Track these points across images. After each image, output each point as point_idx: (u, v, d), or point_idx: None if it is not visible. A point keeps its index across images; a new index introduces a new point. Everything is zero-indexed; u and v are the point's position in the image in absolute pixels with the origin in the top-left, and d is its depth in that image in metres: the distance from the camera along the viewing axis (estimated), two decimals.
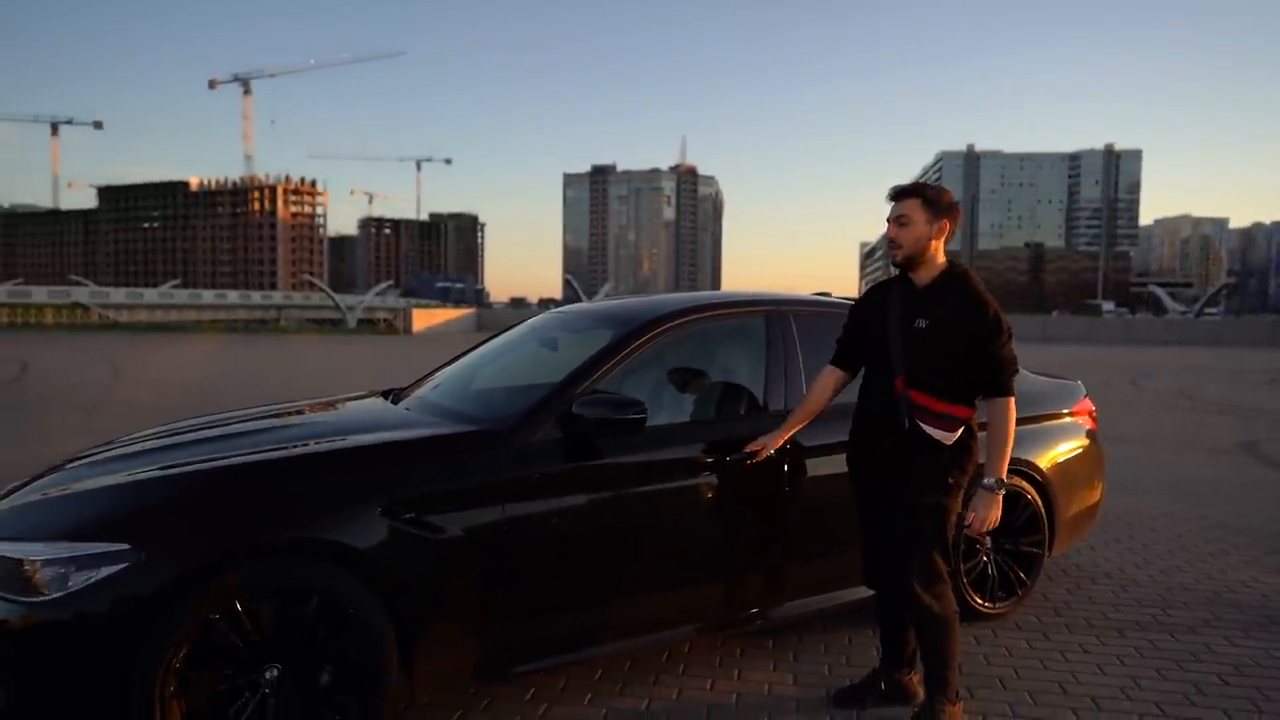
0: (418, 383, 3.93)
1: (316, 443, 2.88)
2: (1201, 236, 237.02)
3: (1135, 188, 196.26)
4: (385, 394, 3.87)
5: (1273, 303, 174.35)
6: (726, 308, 3.50)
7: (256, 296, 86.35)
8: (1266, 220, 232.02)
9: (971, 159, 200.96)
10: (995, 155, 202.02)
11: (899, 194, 2.77)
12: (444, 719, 2.85)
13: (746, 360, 3.43)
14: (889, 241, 2.77)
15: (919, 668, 2.85)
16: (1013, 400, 2.70)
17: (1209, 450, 9.07)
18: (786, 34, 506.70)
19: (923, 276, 2.76)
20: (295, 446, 2.84)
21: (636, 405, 2.79)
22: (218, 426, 3.29)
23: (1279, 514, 6.07)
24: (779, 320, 3.43)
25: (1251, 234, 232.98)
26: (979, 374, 2.68)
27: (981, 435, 2.76)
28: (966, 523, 2.73)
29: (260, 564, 2.40)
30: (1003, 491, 2.71)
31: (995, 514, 2.71)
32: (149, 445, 3.10)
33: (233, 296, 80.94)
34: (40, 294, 58.37)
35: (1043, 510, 3.90)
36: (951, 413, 2.68)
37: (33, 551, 2.32)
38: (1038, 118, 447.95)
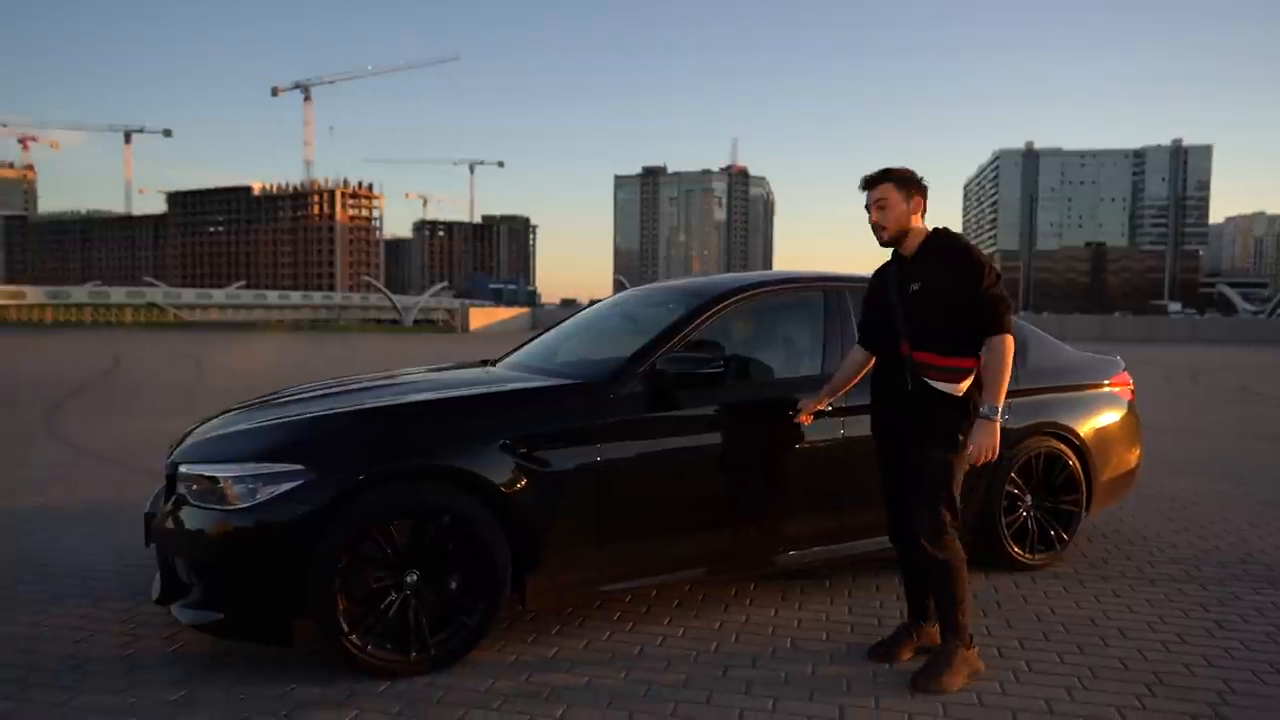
0: (507, 354, 4.44)
1: (443, 392, 3.40)
2: (1277, 234, 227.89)
3: (1204, 185, 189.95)
4: (482, 363, 4.39)
5: None
6: (788, 283, 3.96)
7: (318, 297, 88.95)
8: None
9: (1030, 157, 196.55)
10: (1055, 153, 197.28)
11: (870, 182, 3.02)
12: (545, 630, 3.33)
13: (806, 330, 3.88)
14: (873, 227, 3.02)
15: None
16: (1010, 339, 2.86)
17: (1265, 439, 9.15)
18: (838, 33, 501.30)
19: (910, 248, 3.02)
20: (428, 394, 3.37)
21: (714, 360, 3.26)
22: (355, 384, 3.84)
23: None
24: (835, 295, 3.86)
25: None
26: (975, 319, 2.87)
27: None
28: (968, 452, 2.87)
29: (403, 485, 2.91)
30: (999, 420, 2.84)
31: (993, 441, 2.83)
32: (299, 397, 3.65)
33: (295, 297, 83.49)
34: (119, 294, 61.12)
35: (1080, 471, 4.24)
36: (956, 365, 2.87)
37: (227, 470, 2.87)
38: (1099, 114, 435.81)
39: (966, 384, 2.91)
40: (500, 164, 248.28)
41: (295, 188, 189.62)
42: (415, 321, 69.87)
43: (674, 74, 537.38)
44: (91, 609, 3.51)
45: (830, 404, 3.45)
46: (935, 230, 3.05)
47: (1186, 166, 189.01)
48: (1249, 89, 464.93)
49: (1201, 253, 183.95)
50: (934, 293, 2.92)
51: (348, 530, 2.80)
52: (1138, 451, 4.68)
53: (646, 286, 4.66)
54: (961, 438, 2.89)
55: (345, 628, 2.80)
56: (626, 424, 3.24)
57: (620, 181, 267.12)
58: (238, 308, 67.29)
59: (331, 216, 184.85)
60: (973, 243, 3.01)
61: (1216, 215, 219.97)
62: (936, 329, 2.90)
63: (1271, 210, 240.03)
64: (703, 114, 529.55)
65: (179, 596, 2.95)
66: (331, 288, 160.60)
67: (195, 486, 2.92)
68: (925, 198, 3.01)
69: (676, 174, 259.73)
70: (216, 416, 3.59)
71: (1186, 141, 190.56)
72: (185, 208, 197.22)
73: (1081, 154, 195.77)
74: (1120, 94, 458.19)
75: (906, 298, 2.97)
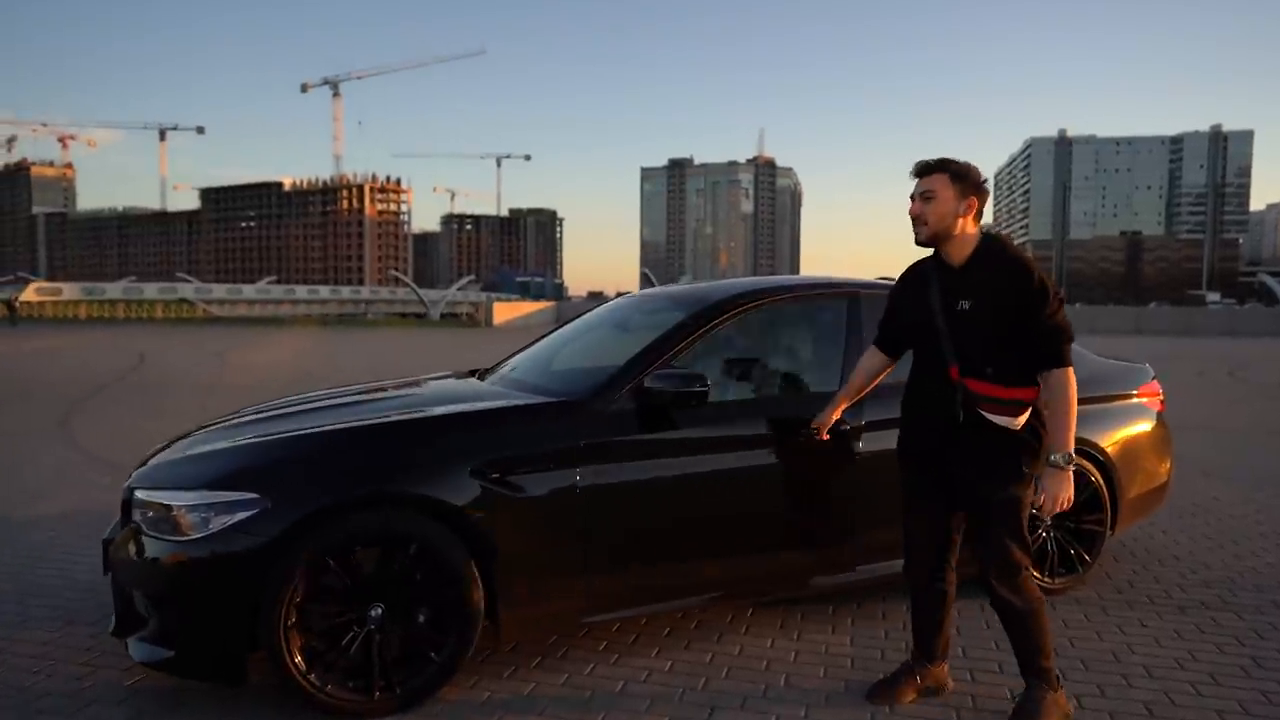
0: (501, 363, 4.25)
1: (413, 411, 3.22)
2: None
3: (1245, 171, 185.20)
4: (471, 373, 4.20)
5: None
6: (798, 291, 3.68)
7: (346, 291, 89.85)
8: None
9: (1063, 145, 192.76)
10: (1089, 140, 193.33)
11: (923, 169, 2.64)
12: (524, 664, 3.14)
13: (812, 342, 3.66)
14: (912, 219, 2.65)
15: (948, 658, 2.92)
16: (1071, 373, 2.55)
17: None
18: (867, 22, 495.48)
19: (956, 255, 2.64)
20: (395, 414, 3.18)
21: (700, 379, 3.02)
22: (327, 399, 3.67)
23: None
24: (845, 303, 3.59)
25: None
26: (1031, 348, 2.55)
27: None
28: (1036, 505, 2.59)
29: (366, 514, 2.73)
30: (1072, 467, 2.56)
31: (1068, 492, 2.55)
32: (268, 414, 3.49)
33: (324, 292, 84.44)
34: (151, 290, 62.17)
35: (1105, 489, 3.96)
36: (1015, 397, 2.55)
37: (181, 498, 2.71)
38: (1135, 101, 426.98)
39: (1025, 417, 2.58)
40: (527, 157, 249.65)
41: (325, 183, 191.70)
42: (442, 315, 70.50)
43: (700, 65, 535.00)
44: (57, 634, 3.38)
45: (845, 414, 3.18)
46: (989, 238, 2.65)
47: (1226, 153, 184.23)
48: None
49: (1241, 241, 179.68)
50: (986, 313, 2.56)
51: (306, 562, 2.63)
52: (1168, 465, 4.39)
53: (647, 291, 4.45)
54: (1026, 470, 2.59)
55: (303, 666, 2.63)
56: (610, 445, 3.03)
57: (646, 174, 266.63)
58: (267, 302, 68.13)
59: (360, 211, 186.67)
60: (1029, 258, 2.62)
61: (1257, 202, 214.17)
62: (990, 356, 2.57)
63: None
64: (729, 105, 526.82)
65: (135, 629, 2.80)
66: (360, 282, 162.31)
67: (150, 514, 2.77)
68: (982, 201, 2.64)
69: (703, 166, 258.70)
70: (186, 435, 3.44)
71: (1227, 127, 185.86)
72: (218, 204, 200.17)
73: (1116, 141, 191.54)
74: (1157, 80, 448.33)
75: (954, 316, 2.60)
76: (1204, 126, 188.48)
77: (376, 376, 12.75)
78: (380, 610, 2.72)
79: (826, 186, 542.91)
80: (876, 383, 3.09)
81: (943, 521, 2.77)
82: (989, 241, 2.65)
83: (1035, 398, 2.58)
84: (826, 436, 3.15)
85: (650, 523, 3.10)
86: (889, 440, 3.00)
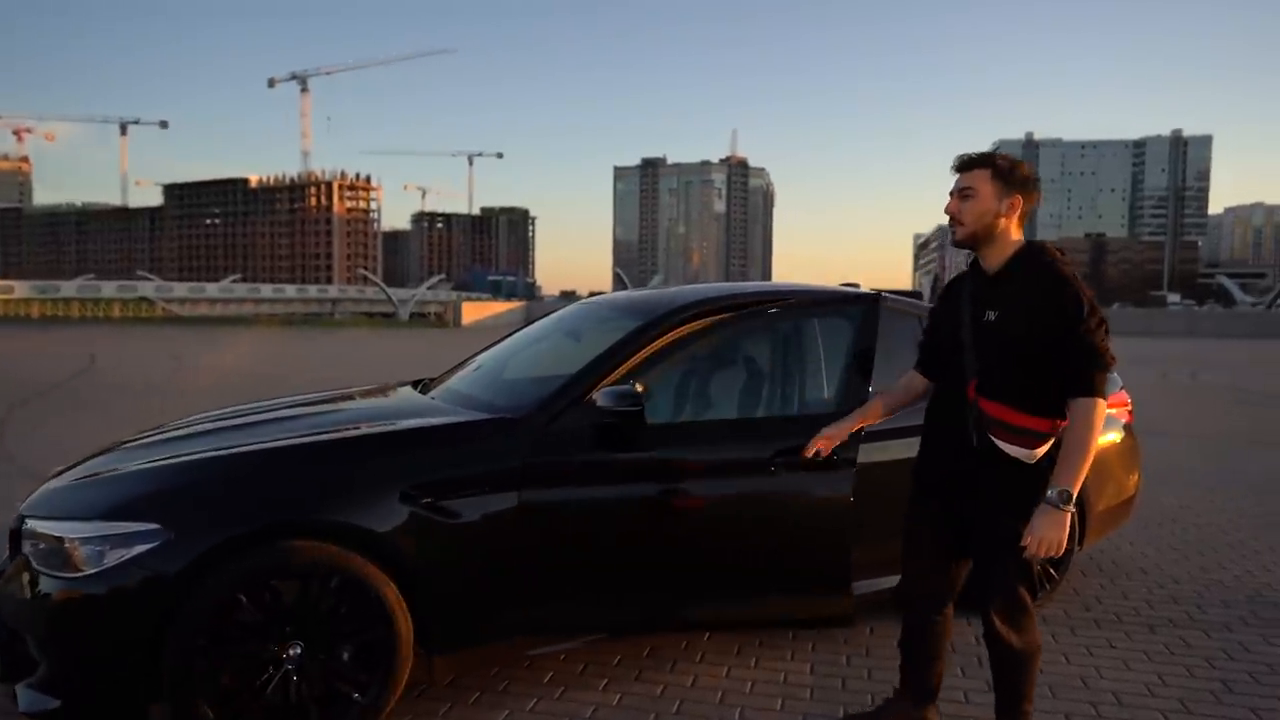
0: (447, 373, 4.03)
1: (340, 430, 2.99)
2: (1275, 225, 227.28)
3: (1204, 175, 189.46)
4: (415, 384, 3.98)
5: None
6: (754, 299, 3.42)
7: (313, 290, 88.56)
8: None
9: (1030, 147, 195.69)
10: (1055, 143, 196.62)
11: (966, 163, 2.40)
12: (463, 700, 2.93)
13: (774, 355, 3.41)
14: (949, 218, 2.42)
15: (938, 699, 2.69)
16: (1102, 404, 2.22)
17: (1263, 445, 8.76)
18: (837, 24, 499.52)
19: (993, 261, 2.39)
20: (319, 434, 2.94)
21: (633, 398, 2.77)
22: (253, 414, 3.43)
23: None
24: (808, 313, 3.38)
25: None
26: (1061, 369, 2.23)
27: None
28: (1023, 544, 2.25)
29: (282, 545, 2.50)
30: (1070, 510, 2.24)
31: (1060, 536, 2.22)
32: (189, 431, 3.24)
33: (290, 291, 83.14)
34: (109, 289, 60.72)
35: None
36: (1031, 426, 2.27)
37: (73, 530, 2.46)
38: (1099, 105, 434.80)
39: (1043, 450, 2.30)
40: (499, 155, 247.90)
41: (292, 179, 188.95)
42: (411, 315, 69.73)
43: (673, 65, 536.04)
44: None
45: (863, 429, 2.80)
46: (1030, 245, 2.38)
47: (1186, 157, 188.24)
48: (1248, 79, 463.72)
49: (1201, 244, 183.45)
50: (1014, 327, 2.29)
51: (213, 599, 2.40)
52: (1136, 477, 4.28)
53: (599, 298, 4.23)
54: (1033, 508, 2.29)
55: (212, 715, 2.40)
56: (552, 466, 2.83)
57: (619, 173, 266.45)
58: (230, 301, 66.89)
59: (329, 208, 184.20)
60: (1076, 275, 2.31)
61: (1215, 206, 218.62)
62: (1012, 374, 2.29)
63: (1270, 200, 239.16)
64: (702, 105, 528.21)
65: (25, 675, 2.54)
66: (329, 280, 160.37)
67: (40, 545, 2.52)
68: (1029, 202, 2.39)
69: (676, 165, 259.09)
70: (104, 451, 3.18)
71: (1186, 132, 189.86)
72: (181, 200, 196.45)
73: (1082, 144, 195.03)
74: (1121, 84, 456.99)
75: (980, 327, 2.36)
76: (1165, 131, 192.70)
77: (333, 381, 12.44)
78: (299, 649, 2.50)
79: (798, 188, 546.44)
80: (906, 404, 2.72)
81: (948, 555, 2.51)
82: (1030, 248, 2.37)
83: (1057, 430, 2.29)
84: (825, 449, 2.73)
85: (597, 548, 2.89)
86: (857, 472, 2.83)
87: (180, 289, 68.28)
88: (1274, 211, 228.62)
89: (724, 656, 3.30)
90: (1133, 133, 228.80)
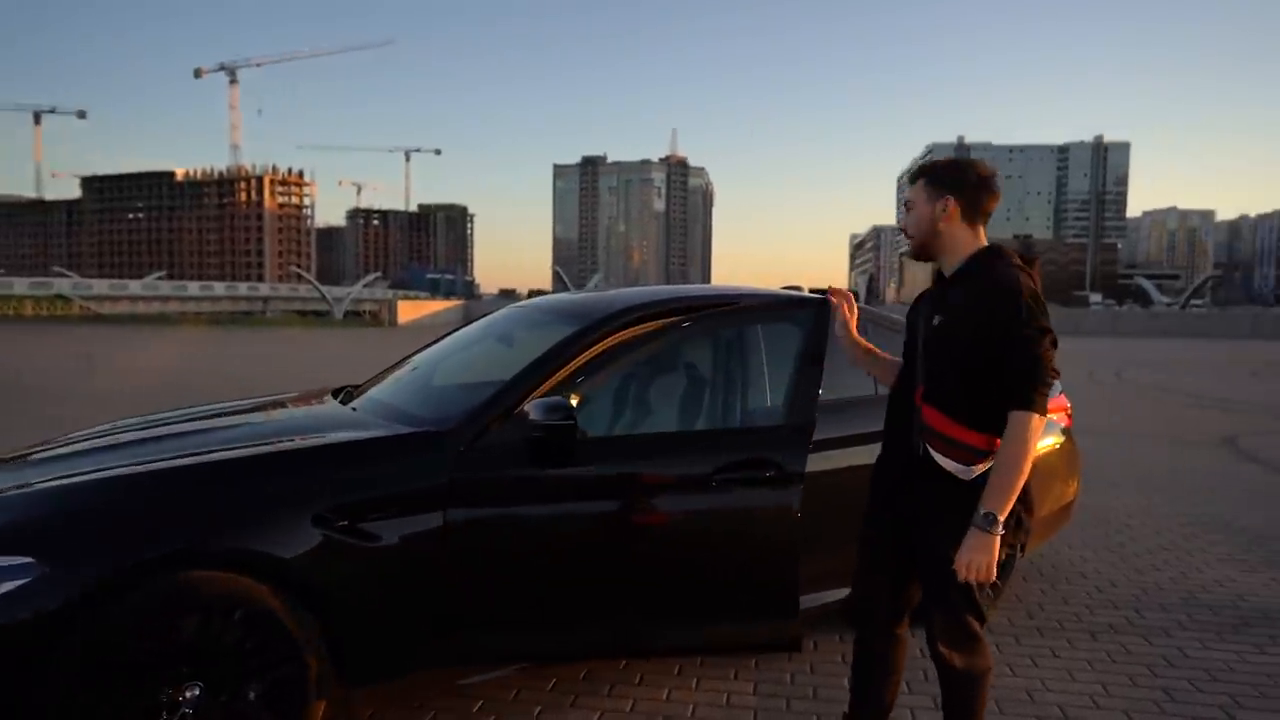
0: (371, 381, 3.79)
1: (246, 447, 2.74)
2: (1188, 229, 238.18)
3: (1123, 180, 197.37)
4: (337, 392, 3.73)
5: (1257, 295, 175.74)
6: (698, 304, 3.25)
7: (243, 288, 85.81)
8: (1252, 213, 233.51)
9: (961, 151, 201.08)
10: (985, 147, 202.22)
11: (910, 177, 2.40)
12: None
13: (719, 363, 3.21)
14: (904, 234, 2.42)
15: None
16: (1037, 419, 2.08)
17: (1189, 444, 9.03)
18: (775, 25, 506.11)
19: (950, 264, 2.31)
20: (222, 451, 2.69)
21: (565, 410, 2.58)
22: (155, 427, 3.16)
23: (1254, 509, 6.01)
24: (754, 318, 3.22)
25: (1237, 227, 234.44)
26: (1001, 379, 2.11)
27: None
28: (953, 567, 2.13)
29: (176, 577, 2.26)
30: (999, 533, 2.10)
31: (988, 558, 2.09)
32: (82, 446, 2.96)
33: (218, 288, 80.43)
34: (21, 285, 57.77)
35: (1018, 509, 3.79)
36: (969, 441, 2.15)
37: None
38: (1027, 110, 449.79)
39: (982, 468, 2.16)
40: (437, 151, 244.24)
41: (221, 173, 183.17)
42: (346, 314, 68.14)
43: (614, 63, 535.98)
44: None
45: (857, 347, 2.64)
46: (985, 249, 2.28)
47: (1107, 162, 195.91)
48: (1164, 87, 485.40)
49: (1120, 246, 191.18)
50: (956, 332, 2.19)
51: (97, 639, 2.15)
52: (1075, 484, 4.28)
53: (532, 301, 4.02)
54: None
55: None
56: (482, 483, 2.63)
57: (559, 171, 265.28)
58: (154, 299, 64.34)
59: (260, 204, 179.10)
60: (1027, 281, 2.18)
61: (1134, 209, 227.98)
62: (954, 383, 2.19)
63: (1183, 205, 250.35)
64: (642, 104, 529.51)
65: None
66: (260, 278, 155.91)
67: None
68: (969, 201, 2.26)
69: (616, 164, 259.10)
70: None
71: (1107, 138, 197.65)
72: (102, 193, 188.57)
73: (1010, 149, 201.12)
74: (1047, 89, 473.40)
75: (929, 332, 2.28)
76: (1088, 137, 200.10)
77: (256, 385, 11.93)
78: (198, 690, 2.26)
79: (737, 188, 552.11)
80: (880, 375, 2.65)
81: (903, 568, 2.35)
82: (982, 252, 2.27)
83: (989, 449, 2.16)
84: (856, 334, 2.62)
85: (529, 571, 2.71)
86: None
87: (100, 286, 65.29)
88: (1187, 216, 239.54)
89: (664, 678, 3.15)
90: (1058, 138, 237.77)
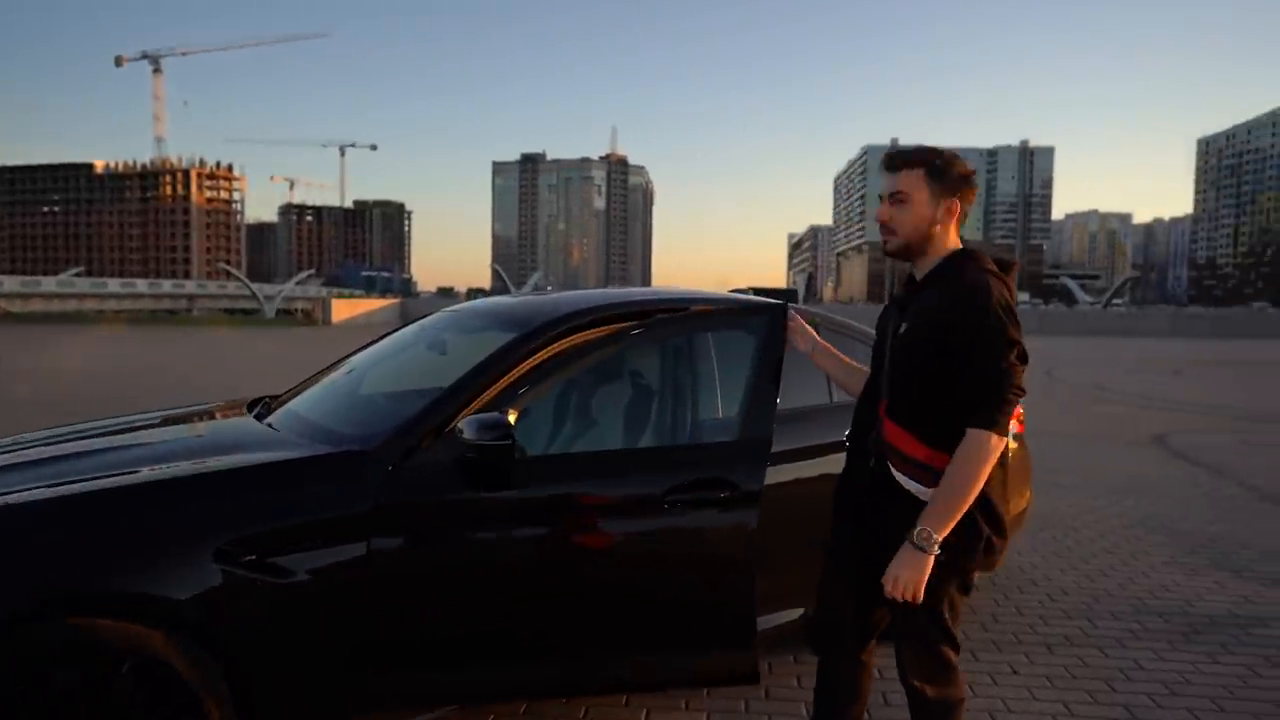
0: (293, 391, 3.48)
1: (139, 472, 2.42)
2: (1108, 231, 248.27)
3: (1048, 183, 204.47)
4: (254, 403, 3.41)
5: (1171, 295, 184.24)
6: (646, 308, 2.98)
7: (167, 285, 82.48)
8: (1166, 216, 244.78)
9: None
10: None
11: (898, 162, 2.09)
12: None
13: (670, 374, 2.95)
14: (880, 226, 2.12)
15: None
16: (994, 439, 1.89)
17: (1123, 443, 9.20)
18: (717, 26, 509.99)
19: (923, 269, 2.12)
20: (112, 477, 2.36)
21: (501, 428, 2.32)
22: (35, 447, 2.81)
23: (1192, 509, 6.09)
24: (707, 324, 2.98)
25: (1153, 229, 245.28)
26: (961, 393, 1.92)
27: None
28: (883, 582, 1.99)
29: (52, 625, 1.96)
30: (934, 555, 1.93)
31: (919, 579, 1.93)
32: None
33: (140, 285, 77.14)
34: None
35: (988, 533, 3.68)
36: (930, 461, 1.98)
37: None
38: (958, 113, 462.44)
39: None
40: (373, 147, 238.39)
41: (144, 166, 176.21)
42: (278, 312, 66.11)
43: (554, 60, 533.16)
44: None
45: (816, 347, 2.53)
46: (960, 252, 2.09)
47: (1033, 166, 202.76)
48: (1081, 93, 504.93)
49: (1045, 247, 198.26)
50: (918, 341, 2.01)
51: None
52: (1029, 492, 4.21)
53: (469, 304, 3.74)
54: (944, 557, 1.96)
55: None
56: (409, 509, 2.37)
57: (498, 168, 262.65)
58: (70, 297, 61.38)
59: (186, 199, 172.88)
60: (1000, 289, 1.99)
61: (1058, 212, 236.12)
62: (915, 396, 2.02)
63: (1104, 209, 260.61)
64: (582, 101, 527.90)
65: None
66: (188, 275, 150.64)
67: None
68: (966, 203, 2.09)
69: (555, 161, 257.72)
70: None
71: (1033, 143, 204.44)
72: (13, 186, 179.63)
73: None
74: (976, 93, 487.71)
75: (894, 340, 2.10)
76: (1015, 141, 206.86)
77: (173, 391, 11.30)
78: None
79: (677, 187, 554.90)
80: (844, 381, 2.48)
81: (870, 587, 2.10)
82: (954, 256, 2.08)
83: None
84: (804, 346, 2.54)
85: (462, 605, 2.45)
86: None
87: (10, 283, 61.91)
88: (1107, 219, 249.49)
89: (612, 710, 2.94)
90: (987, 141, 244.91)
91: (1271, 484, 7.11)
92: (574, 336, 2.80)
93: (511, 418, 2.43)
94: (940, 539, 1.93)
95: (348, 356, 3.67)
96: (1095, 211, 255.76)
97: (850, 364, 2.51)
